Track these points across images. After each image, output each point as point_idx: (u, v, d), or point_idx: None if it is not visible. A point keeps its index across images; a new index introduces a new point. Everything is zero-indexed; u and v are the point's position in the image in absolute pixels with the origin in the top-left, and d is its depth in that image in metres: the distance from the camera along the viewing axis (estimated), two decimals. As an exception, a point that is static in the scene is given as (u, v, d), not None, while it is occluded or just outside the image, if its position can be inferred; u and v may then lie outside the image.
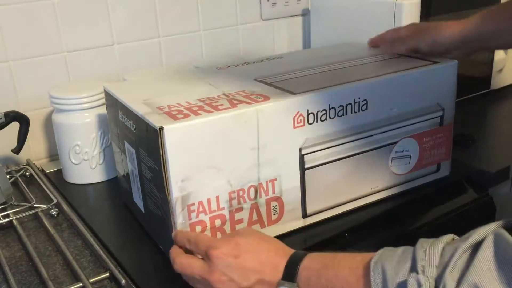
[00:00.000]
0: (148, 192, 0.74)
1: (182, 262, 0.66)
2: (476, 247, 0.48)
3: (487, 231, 0.49)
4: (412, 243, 0.82)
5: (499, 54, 1.33)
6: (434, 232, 0.85)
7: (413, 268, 0.50)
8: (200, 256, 0.66)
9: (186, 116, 0.66)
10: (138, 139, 0.73)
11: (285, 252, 0.64)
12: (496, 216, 0.97)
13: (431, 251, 0.51)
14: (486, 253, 0.47)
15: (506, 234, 0.47)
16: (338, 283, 0.58)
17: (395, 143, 0.82)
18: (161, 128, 0.63)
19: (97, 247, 0.78)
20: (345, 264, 0.58)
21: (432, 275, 0.49)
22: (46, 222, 0.86)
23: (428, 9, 1.12)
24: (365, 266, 0.55)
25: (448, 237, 0.53)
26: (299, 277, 0.61)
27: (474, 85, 1.34)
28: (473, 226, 0.92)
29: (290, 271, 0.62)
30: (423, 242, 0.52)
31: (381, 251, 0.55)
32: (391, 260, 0.53)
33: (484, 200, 0.94)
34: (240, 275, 0.62)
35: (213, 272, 0.63)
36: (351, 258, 0.58)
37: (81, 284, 0.70)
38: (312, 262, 0.61)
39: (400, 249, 0.54)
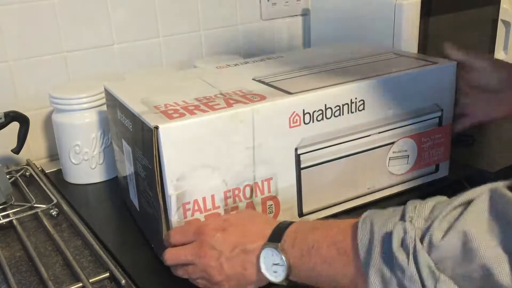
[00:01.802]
0: (142, 190, 0.74)
1: (172, 252, 0.67)
2: (469, 203, 0.48)
3: (482, 190, 0.49)
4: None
5: (499, 54, 1.33)
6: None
7: (401, 219, 0.51)
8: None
9: (181, 115, 0.66)
10: (134, 138, 0.73)
11: (275, 223, 0.65)
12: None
13: (421, 206, 0.51)
14: (480, 206, 0.47)
15: (504, 189, 0.47)
16: (325, 241, 0.58)
17: (392, 143, 0.82)
18: (156, 127, 0.63)
19: (97, 247, 0.78)
20: (334, 225, 0.59)
21: (420, 226, 0.49)
22: (46, 222, 0.86)
23: (428, 9, 1.12)
24: (354, 225, 0.55)
25: (441, 197, 0.53)
26: (284, 239, 0.61)
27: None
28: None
29: (276, 235, 0.62)
30: (414, 201, 0.53)
31: (369, 211, 0.56)
32: (380, 216, 0.53)
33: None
34: (227, 247, 0.63)
35: (202, 247, 0.64)
36: (341, 221, 0.59)
37: (81, 284, 0.70)
38: (301, 226, 0.62)
39: (390, 209, 0.54)
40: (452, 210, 0.48)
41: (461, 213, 0.48)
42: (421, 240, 0.48)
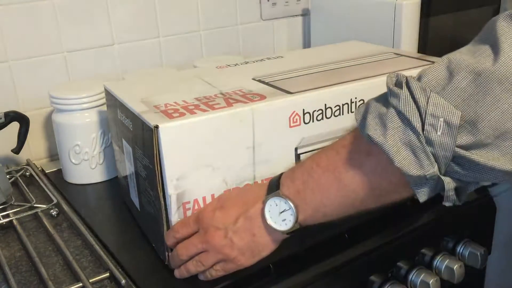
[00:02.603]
0: (143, 190, 0.74)
1: (183, 246, 0.67)
2: None
3: None
4: (413, 243, 0.83)
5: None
6: (434, 232, 0.85)
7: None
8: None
9: (181, 115, 0.66)
10: (134, 137, 0.73)
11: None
12: (496, 216, 0.97)
13: None
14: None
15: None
16: (323, 154, 0.59)
17: (393, 142, 0.82)
18: (156, 127, 0.63)
19: (97, 247, 0.78)
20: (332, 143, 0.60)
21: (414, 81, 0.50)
22: (46, 222, 0.86)
23: (428, 9, 1.12)
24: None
25: None
26: (282, 183, 0.62)
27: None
28: (473, 226, 0.92)
29: (273, 186, 0.63)
30: None
31: None
32: None
33: (484, 200, 0.94)
34: (230, 221, 0.64)
35: (208, 231, 0.64)
36: None
37: (81, 284, 0.70)
38: (295, 165, 0.64)
39: None
40: None
41: None
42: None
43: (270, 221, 0.62)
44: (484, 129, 0.46)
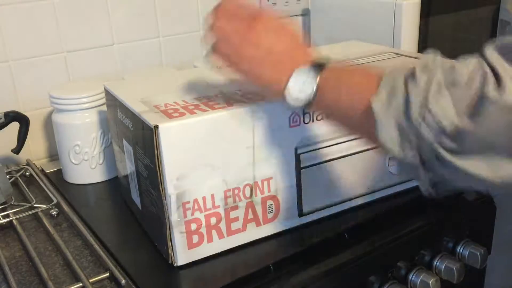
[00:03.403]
0: (144, 189, 0.74)
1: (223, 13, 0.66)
2: None
3: None
4: (413, 243, 0.83)
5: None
6: (434, 232, 0.85)
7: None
8: None
9: (181, 114, 0.66)
10: (135, 137, 0.73)
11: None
12: (496, 216, 0.97)
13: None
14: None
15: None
16: (356, 75, 0.59)
17: (393, 142, 0.82)
18: (156, 127, 0.64)
19: (97, 247, 0.78)
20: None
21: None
22: (46, 222, 0.86)
23: (428, 9, 1.12)
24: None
25: None
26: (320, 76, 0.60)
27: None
28: (473, 226, 0.92)
29: (316, 66, 0.61)
30: None
31: None
32: None
33: (484, 200, 0.94)
34: (276, 33, 0.64)
35: (257, 17, 0.63)
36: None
37: (81, 284, 0.70)
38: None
39: None
40: None
41: None
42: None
43: (291, 81, 0.61)
44: (472, 143, 0.47)
